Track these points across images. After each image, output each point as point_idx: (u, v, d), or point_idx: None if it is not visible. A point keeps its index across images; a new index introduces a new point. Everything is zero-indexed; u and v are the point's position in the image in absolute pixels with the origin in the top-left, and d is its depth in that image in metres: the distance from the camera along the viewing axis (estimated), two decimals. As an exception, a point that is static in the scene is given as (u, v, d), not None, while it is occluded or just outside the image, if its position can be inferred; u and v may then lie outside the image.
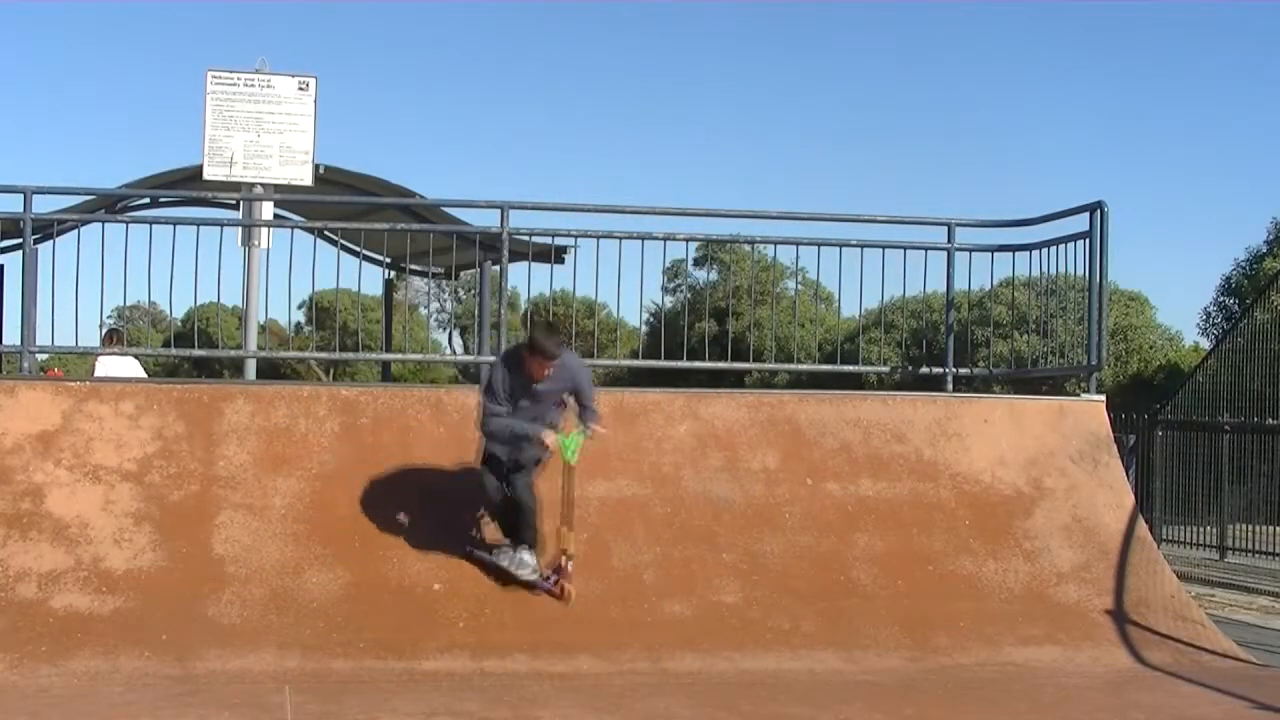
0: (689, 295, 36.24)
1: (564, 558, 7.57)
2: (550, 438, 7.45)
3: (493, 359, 9.83)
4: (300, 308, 29.71)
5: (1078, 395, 9.77)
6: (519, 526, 7.60)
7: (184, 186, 12.61)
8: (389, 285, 19.37)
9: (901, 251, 9.77)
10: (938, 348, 10.61)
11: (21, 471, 7.61)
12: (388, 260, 14.36)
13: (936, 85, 66.42)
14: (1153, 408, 15.74)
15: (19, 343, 9.01)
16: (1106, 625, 7.95)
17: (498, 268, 11.88)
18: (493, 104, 70.30)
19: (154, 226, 8.93)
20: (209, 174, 10.81)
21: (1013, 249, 9.93)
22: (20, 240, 9.30)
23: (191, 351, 15.84)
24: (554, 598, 7.51)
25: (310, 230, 10.84)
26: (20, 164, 63.53)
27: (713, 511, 8.20)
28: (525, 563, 7.57)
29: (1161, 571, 8.49)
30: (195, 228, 9.11)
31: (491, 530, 7.82)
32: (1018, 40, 64.30)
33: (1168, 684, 7.22)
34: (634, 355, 26.28)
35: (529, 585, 7.54)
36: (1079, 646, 7.71)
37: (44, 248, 9.34)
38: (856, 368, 11.03)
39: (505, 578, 7.56)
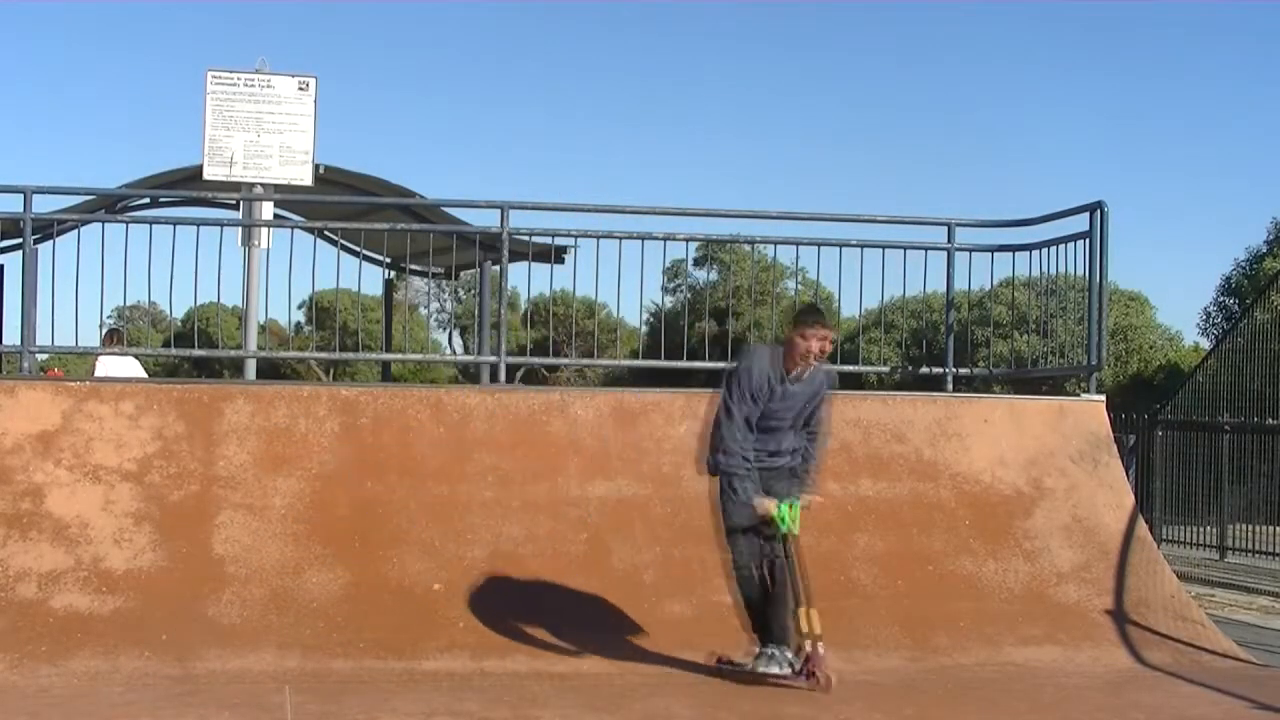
0: (689, 295, 36.26)
1: (810, 640, 6.54)
2: (765, 506, 6.50)
3: (492, 359, 9.87)
4: (300, 308, 29.73)
5: (1078, 395, 9.77)
6: (771, 616, 6.60)
7: (184, 186, 12.62)
8: (389, 285, 19.37)
9: (901, 251, 9.77)
10: (938, 348, 10.61)
11: (21, 471, 7.61)
12: (388, 260, 14.36)
13: (936, 85, 66.47)
14: (1153, 408, 15.75)
15: (19, 343, 9.01)
16: (1106, 625, 7.95)
17: (498, 268, 11.89)
18: (493, 104, 70.34)
19: (154, 226, 8.93)
20: (209, 174, 10.82)
21: (1013, 249, 9.94)
22: (20, 240, 9.30)
23: (191, 351, 15.85)
24: (811, 691, 6.51)
25: (310, 230, 10.84)
26: (20, 164, 63.55)
27: (713, 511, 8.18)
28: (775, 658, 6.57)
29: (1161, 571, 8.49)
30: (195, 228, 9.12)
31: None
32: (1018, 40, 64.34)
33: (1168, 684, 7.22)
34: (634, 355, 26.30)
35: (777, 679, 6.58)
36: (1079, 646, 7.71)
37: (44, 248, 9.34)
38: (856, 368, 11.02)
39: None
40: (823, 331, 6.49)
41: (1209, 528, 14.45)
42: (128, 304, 25.43)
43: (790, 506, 6.60)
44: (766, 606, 6.61)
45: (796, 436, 6.69)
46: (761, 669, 6.59)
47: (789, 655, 6.58)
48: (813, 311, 6.66)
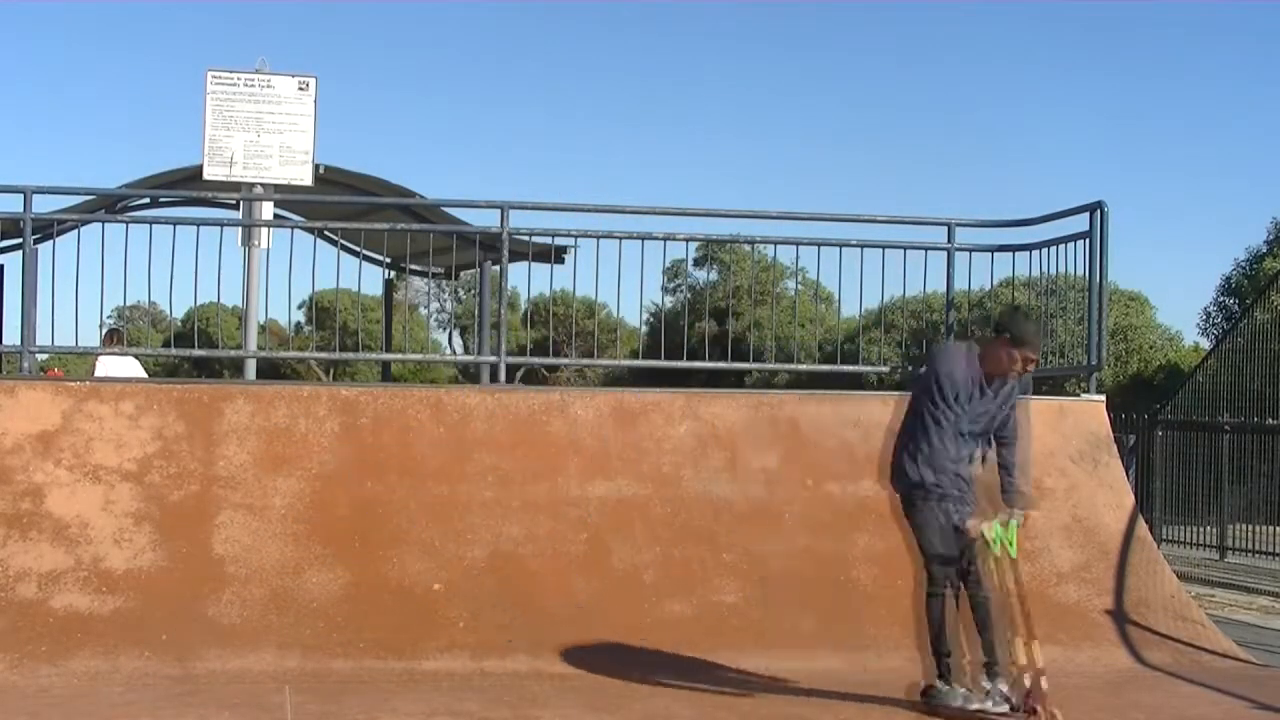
0: (689, 295, 36.29)
1: (1032, 675, 5.96)
2: (980, 528, 5.92)
3: (492, 359, 9.85)
4: (300, 308, 29.72)
5: (1078, 395, 9.77)
6: (988, 651, 6.02)
7: (184, 186, 12.61)
8: (389, 285, 19.38)
9: (901, 251, 9.76)
10: (938, 347, 10.60)
11: (21, 471, 7.61)
12: (388, 260, 14.36)
13: (936, 85, 66.46)
14: (1153, 408, 15.75)
15: (19, 343, 9.01)
16: (1106, 625, 7.96)
17: (498, 268, 11.88)
18: (493, 104, 70.34)
19: (154, 226, 8.92)
20: (209, 174, 10.81)
21: (1013, 249, 9.93)
22: (20, 240, 9.30)
23: (191, 351, 15.85)
24: None
25: (310, 230, 10.84)
26: (20, 164, 63.52)
27: (713, 511, 8.20)
28: (990, 692, 5.98)
29: (1161, 571, 8.50)
30: (195, 228, 9.11)
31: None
32: (1018, 40, 64.34)
33: (1168, 684, 7.22)
34: (634, 355, 26.30)
35: (991, 717, 6.04)
36: (1079, 646, 7.71)
37: (44, 248, 9.34)
38: (856, 368, 11.02)
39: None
40: (1012, 354, 6.01)
41: (1209, 528, 14.46)
42: (128, 304, 25.44)
43: (1006, 526, 6.02)
44: (959, 634, 6.09)
45: (981, 444, 6.17)
46: (975, 706, 6.03)
47: (1003, 689, 6.05)
48: (1033, 328, 6.12)
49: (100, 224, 9.36)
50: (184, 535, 7.49)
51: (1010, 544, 6.01)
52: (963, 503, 5.99)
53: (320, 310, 16.51)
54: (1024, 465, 6.23)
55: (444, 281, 28.06)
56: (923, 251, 9.82)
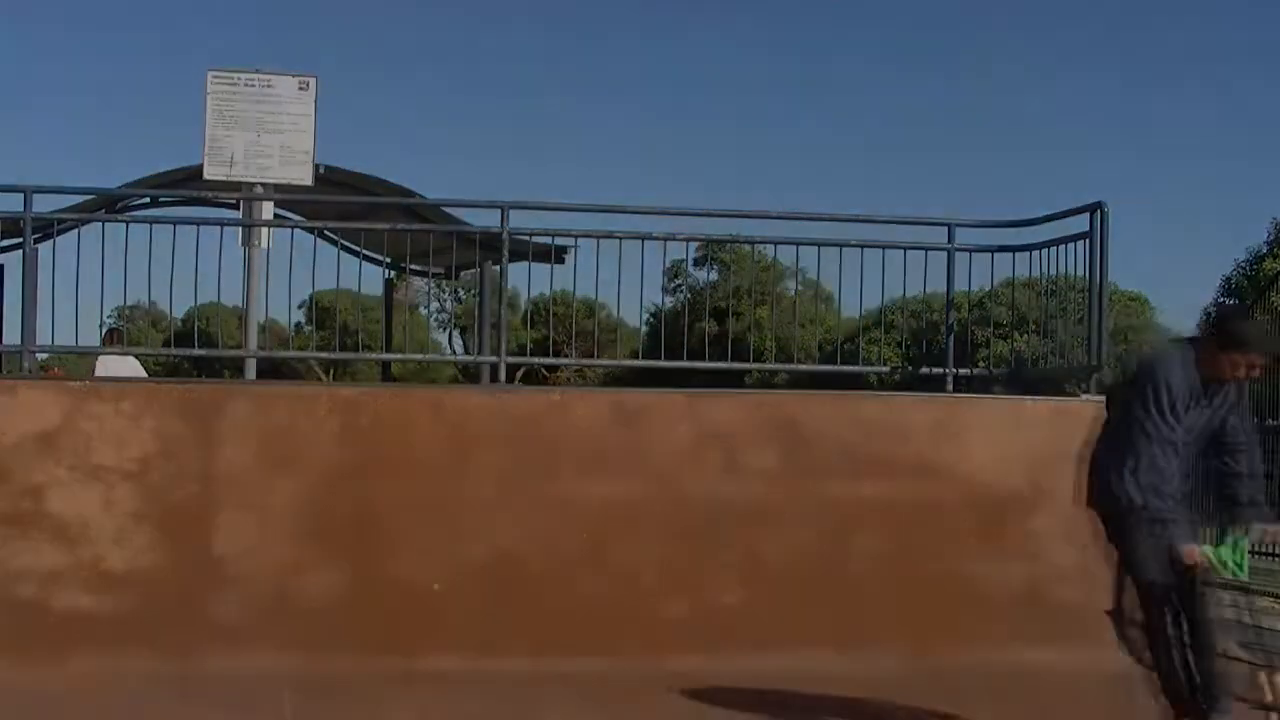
0: (689, 295, 36.33)
1: (1275, 715, 5.39)
2: (1202, 552, 5.32)
3: (492, 359, 9.85)
4: (300, 308, 29.75)
5: (1078, 396, 9.77)
6: (1207, 682, 5.44)
7: (184, 186, 12.61)
8: (389, 285, 19.37)
9: (901, 252, 9.75)
10: (938, 348, 10.60)
11: (21, 471, 7.61)
12: (388, 260, 14.35)
13: (937, 85, 66.50)
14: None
15: (19, 343, 9.01)
16: (1106, 625, 7.93)
17: (498, 268, 11.88)
18: (493, 104, 70.39)
19: (154, 226, 8.92)
20: (209, 174, 10.80)
21: (1013, 249, 9.92)
22: (20, 240, 9.30)
23: (191, 351, 15.76)
24: None
25: (310, 230, 10.83)
26: (20, 164, 63.60)
27: (713, 511, 8.19)
28: None
29: (1161, 572, 8.49)
30: (195, 228, 9.11)
31: None
32: (1018, 40, 64.38)
33: (1168, 684, 7.21)
34: (634, 355, 26.31)
35: None
36: (1079, 646, 7.71)
37: (44, 248, 9.34)
38: (856, 368, 11.00)
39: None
40: (1237, 358, 5.43)
41: (1209, 528, 14.43)
42: (128, 304, 25.42)
43: (1234, 546, 5.46)
44: (1197, 671, 5.51)
45: (1192, 456, 5.54)
46: None
47: None
48: (1257, 331, 5.54)
49: (100, 224, 9.35)
50: (184, 535, 7.49)
51: (1240, 565, 5.45)
52: (1179, 524, 5.39)
53: (320, 310, 16.53)
54: (1255, 474, 5.62)
55: (444, 281, 28.07)
56: (923, 252, 9.80)
